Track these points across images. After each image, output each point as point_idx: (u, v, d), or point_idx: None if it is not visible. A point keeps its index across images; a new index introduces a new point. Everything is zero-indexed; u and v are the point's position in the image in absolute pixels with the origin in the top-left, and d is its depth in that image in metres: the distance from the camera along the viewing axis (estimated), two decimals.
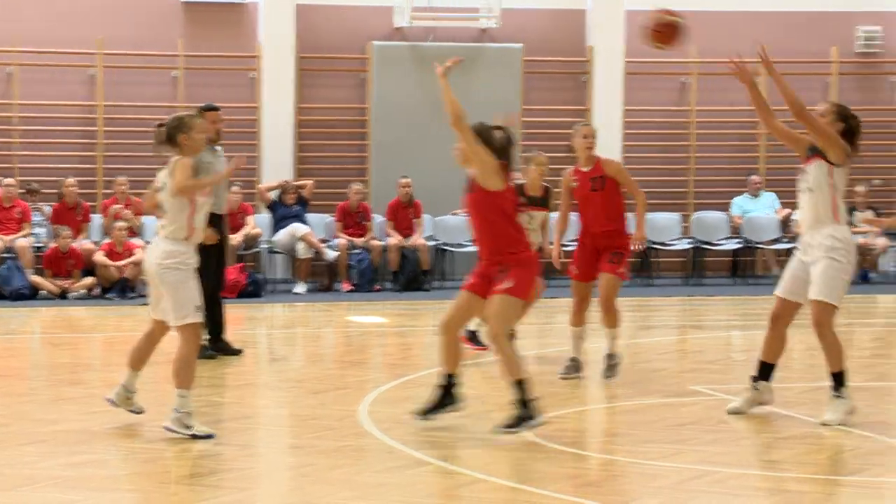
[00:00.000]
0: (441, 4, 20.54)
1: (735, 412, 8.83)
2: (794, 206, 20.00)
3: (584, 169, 10.52)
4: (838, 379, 8.47)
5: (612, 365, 10.41)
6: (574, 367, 10.58)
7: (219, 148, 12.03)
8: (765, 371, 8.80)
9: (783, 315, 8.70)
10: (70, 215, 18.19)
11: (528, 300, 8.58)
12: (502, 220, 8.28)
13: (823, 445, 8.08)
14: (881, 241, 19.85)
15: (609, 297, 10.43)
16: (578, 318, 10.73)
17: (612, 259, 10.39)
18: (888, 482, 7.28)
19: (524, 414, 8.06)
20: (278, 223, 18.80)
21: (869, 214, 19.99)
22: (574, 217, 10.96)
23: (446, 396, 8.54)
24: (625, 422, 9.25)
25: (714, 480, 7.07)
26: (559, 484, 7.17)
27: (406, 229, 19.10)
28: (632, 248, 10.68)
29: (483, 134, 8.45)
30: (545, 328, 14.87)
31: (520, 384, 8.08)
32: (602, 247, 10.50)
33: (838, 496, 7.10)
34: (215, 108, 12.03)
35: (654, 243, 19.53)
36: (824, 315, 8.35)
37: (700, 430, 8.55)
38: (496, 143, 8.38)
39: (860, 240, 19.60)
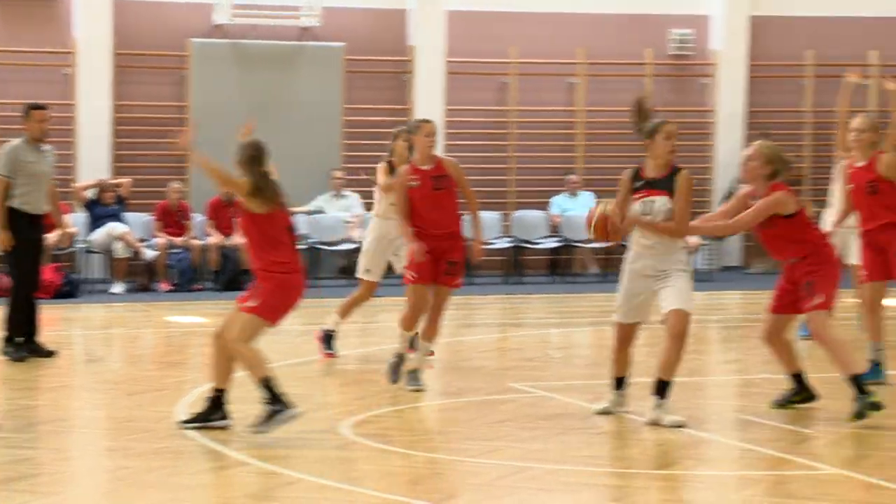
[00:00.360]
0: (261, 2, 20.46)
1: (603, 412, 8.90)
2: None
3: (425, 167, 10.18)
4: (667, 387, 8.64)
5: (416, 383, 9.99)
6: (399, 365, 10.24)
7: (46, 147, 11.84)
8: (620, 382, 8.94)
9: (627, 338, 8.88)
10: None
11: (273, 323, 8.48)
12: (265, 242, 8.36)
13: (637, 440, 8.26)
14: (693, 240, 20.31)
15: (441, 310, 10.16)
16: (412, 324, 10.30)
17: (450, 270, 10.11)
18: (699, 475, 7.49)
19: (275, 409, 8.08)
20: (95, 222, 18.49)
21: None
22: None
23: (214, 411, 8.49)
24: (445, 419, 9.31)
25: (531, 476, 7.16)
26: (380, 482, 7.20)
27: (226, 228, 18.85)
28: (474, 256, 10.47)
29: (251, 170, 8.52)
30: (368, 327, 14.88)
31: (265, 381, 8.11)
32: (441, 251, 10.16)
33: (651, 489, 7.24)
34: (42, 107, 11.91)
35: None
36: (685, 324, 8.55)
37: (518, 427, 8.65)
38: (262, 182, 8.46)
39: None
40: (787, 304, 9.17)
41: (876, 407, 8.60)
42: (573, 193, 21.01)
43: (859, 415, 8.60)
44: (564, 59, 21.58)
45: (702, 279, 20.19)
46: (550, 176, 21.50)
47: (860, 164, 10.23)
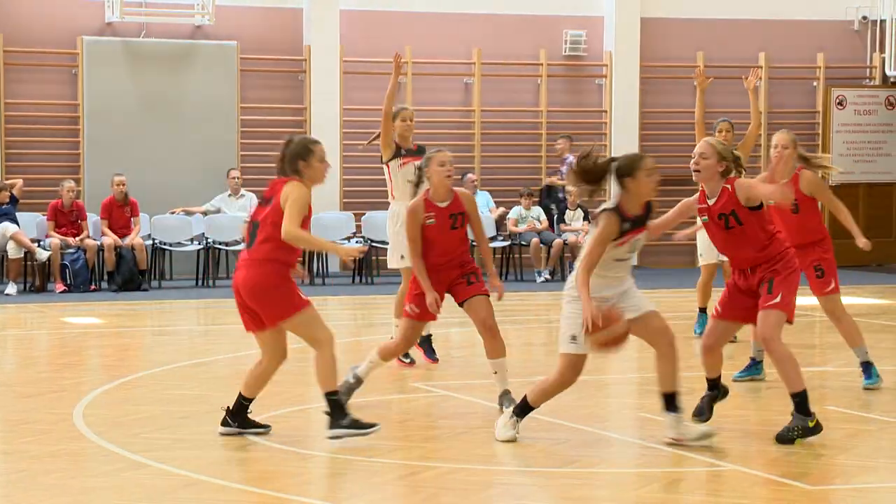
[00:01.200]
0: (154, 0, 20.37)
1: None
2: (507, 205, 20.58)
3: (442, 204, 9.33)
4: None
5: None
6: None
7: None
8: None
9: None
10: None
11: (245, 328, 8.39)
12: None
13: (538, 439, 8.28)
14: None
15: (491, 318, 9.28)
16: (391, 356, 9.67)
17: (470, 280, 9.34)
18: (599, 472, 7.57)
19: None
20: None
21: (579, 213, 20.71)
22: None
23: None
24: None
25: (436, 475, 7.20)
26: (281, 483, 7.17)
27: (122, 228, 18.69)
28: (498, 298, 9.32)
29: None
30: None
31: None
32: (449, 279, 9.37)
33: (552, 487, 7.31)
34: None
35: None
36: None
37: (420, 427, 8.71)
38: None
39: (570, 238, 20.24)
40: (735, 311, 8.71)
41: (815, 430, 8.30)
42: (472, 193, 21.05)
43: (803, 433, 8.35)
44: (460, 60, 21.77)
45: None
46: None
47: (783, 181, 9.70)
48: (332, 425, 8.09)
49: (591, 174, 8.09)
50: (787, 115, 22.66)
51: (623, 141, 22.09)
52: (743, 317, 8.71)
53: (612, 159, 8.20)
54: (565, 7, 22.34)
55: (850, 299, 11.42)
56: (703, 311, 13.61)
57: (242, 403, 8.35)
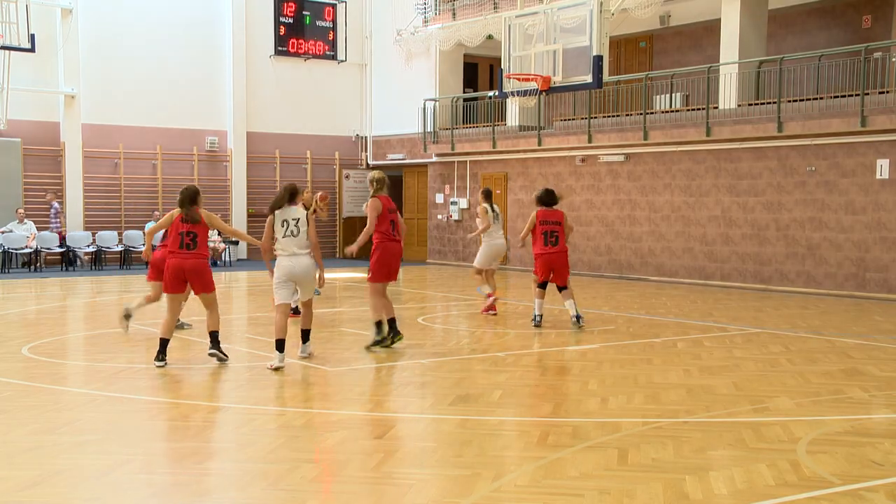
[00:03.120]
0: None
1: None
2: None
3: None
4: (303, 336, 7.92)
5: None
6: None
7: None
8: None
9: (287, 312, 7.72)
10: None
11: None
12: None
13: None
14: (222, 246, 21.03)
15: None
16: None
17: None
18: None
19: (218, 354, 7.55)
20: None
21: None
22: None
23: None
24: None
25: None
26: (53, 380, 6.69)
27: None
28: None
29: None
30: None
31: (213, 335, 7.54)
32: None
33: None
34: None
35: None
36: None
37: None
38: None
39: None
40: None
41: (381, 344, 8.18)
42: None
43: (375, 344, 8.23)
44: (150, 151, 21.84)
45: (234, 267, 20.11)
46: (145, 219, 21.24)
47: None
48: (213, 348, 7.54)
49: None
50: (325, 183, 23.66)
51: (239, 199, 22.43)
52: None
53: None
54: (207, 124, 22.42)
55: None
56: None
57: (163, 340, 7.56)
